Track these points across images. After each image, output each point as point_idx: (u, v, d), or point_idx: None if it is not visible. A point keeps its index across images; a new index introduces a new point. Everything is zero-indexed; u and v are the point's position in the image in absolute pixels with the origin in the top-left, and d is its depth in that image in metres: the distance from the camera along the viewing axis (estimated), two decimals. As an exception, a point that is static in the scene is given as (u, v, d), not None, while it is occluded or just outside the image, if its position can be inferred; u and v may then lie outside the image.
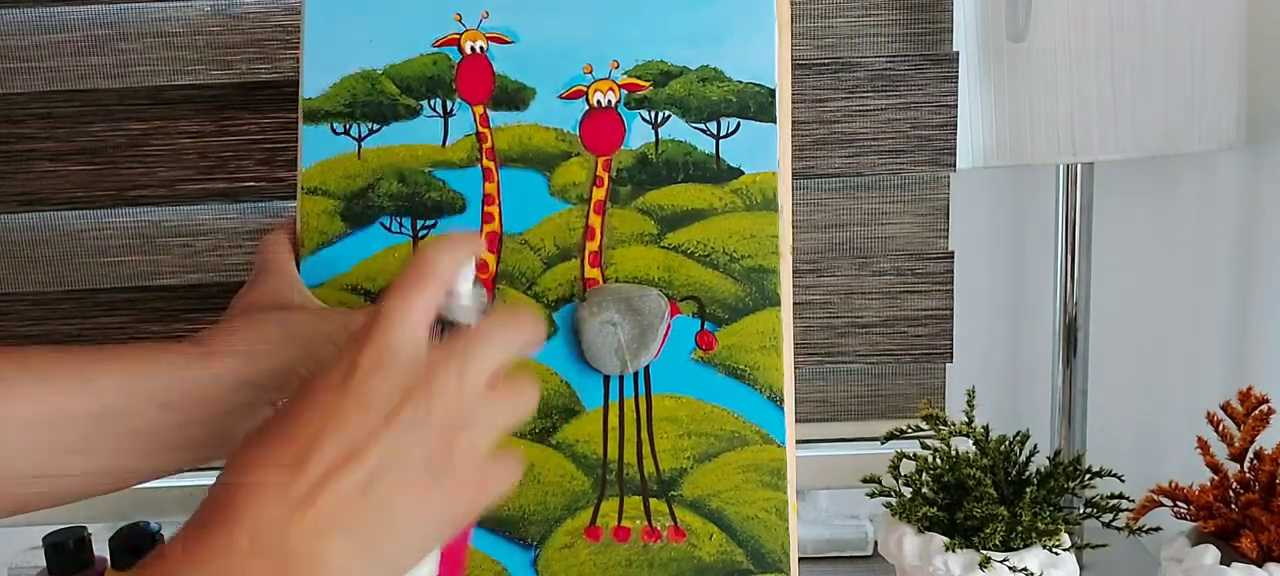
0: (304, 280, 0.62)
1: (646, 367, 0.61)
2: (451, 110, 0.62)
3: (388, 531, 0.42)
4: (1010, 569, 0.69)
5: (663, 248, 0.61)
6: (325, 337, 0.54)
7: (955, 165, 0.91)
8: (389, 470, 0.42)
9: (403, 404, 0.42)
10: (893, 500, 0.75)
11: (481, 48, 0.62)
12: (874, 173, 0.93)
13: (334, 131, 0.62)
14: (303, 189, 0.62)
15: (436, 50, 0.62)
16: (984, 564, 0.69)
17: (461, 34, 0.62)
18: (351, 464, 0.41)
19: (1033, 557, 0.70)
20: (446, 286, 0.47)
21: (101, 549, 0.81)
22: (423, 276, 0.45)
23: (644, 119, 0.61)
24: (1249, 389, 0.73)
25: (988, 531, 0.70)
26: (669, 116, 0.61)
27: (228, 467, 0.42)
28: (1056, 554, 0.71)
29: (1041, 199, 0.99)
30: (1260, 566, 0.67)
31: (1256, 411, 0.72)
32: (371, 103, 0.62)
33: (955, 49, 0.90)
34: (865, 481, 0.78)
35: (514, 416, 0.46)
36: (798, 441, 0.62)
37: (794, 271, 0.89)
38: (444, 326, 0.48)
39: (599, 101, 0.61)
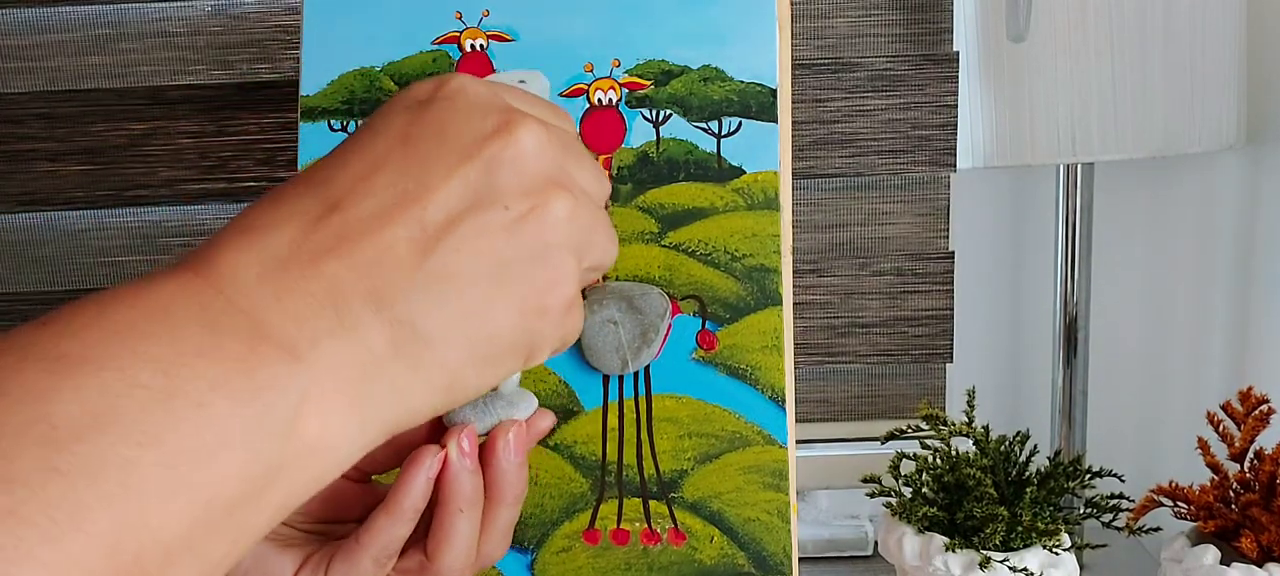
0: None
1: (647, 367, 0.61)
2: (451, 109, 0.62)
3: (445, 318, 0.32)
4: (1010, 569, 0.69)
5: (664, 246, 0.61)
6: None
7: (955, 165, 0.91)
8: (459, 227, 0.32)
9: (488, 141, 0.33)
10: (893, 500, 0.75)
11: (482, 45, 0.62)
12: (874, 173, 0.93)
13: (331, 128, 0.62)
14: (302, 188, 0.62)
15: (436, 48, 0.62)
16: (984, 564, 0.69)
17: (462, 32, 0.62)
18: (405, 210, 0.31)
19: (1033, 557, 0.70)
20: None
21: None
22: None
23: (645, 117, 0.61)
24: (1249, 389, 0.73)
25: (988, 531, 0.70)
26: (670, 115, 0.61)
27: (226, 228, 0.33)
28: (1056, 554, 0.71)
29: (1041, 199, 0.99)
30: (1260, 566, 0.67)
31: (1256, 411, 0.72)
32: (370, 100, 0.62)
33: (955, 49, 0.90)
34: (865, 481, 0.78)
35: (604, 260, 0.39)
36: (798, 441, 0.62)
37: (794, 271, 0.89)
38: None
39: (600, 100, 0.61)
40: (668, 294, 0.61)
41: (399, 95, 0.36)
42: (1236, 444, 0.72)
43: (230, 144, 0.92)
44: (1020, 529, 0.70)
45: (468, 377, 0.34)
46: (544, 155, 0.34)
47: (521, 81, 0.51)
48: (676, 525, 0.61)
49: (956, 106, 0.90)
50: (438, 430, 0.46)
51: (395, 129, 0.33)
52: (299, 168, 0.63)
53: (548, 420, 0.49)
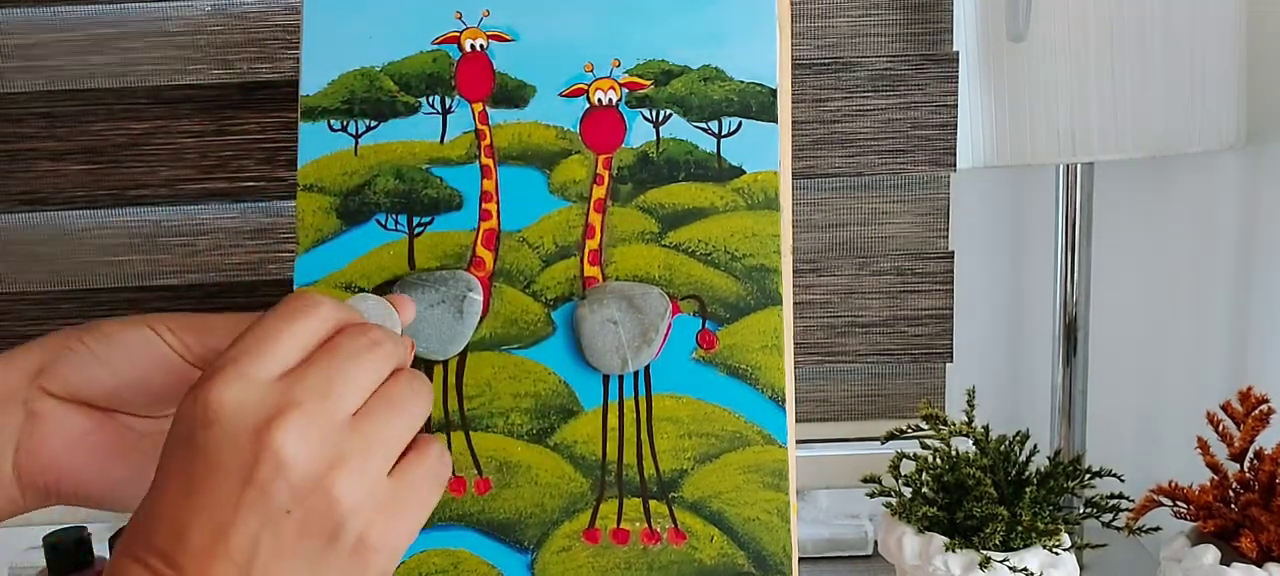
0: (300, 278, 0.62)
1: (647, 367, 0.61)
2: (450, 108, 0.62)
3: None
4: (1010, 569, 0.69)
5: (664, 246, 0.61)
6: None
7: (955, 165, 0.91)
8: (260, 553, 0.39)
9: (256, 468, 0.39)
10: (893, 500, 0.75)
11: (482, 45, 0.62)
12: (874, 173, 0.93)
13: (331, 128, 0.62)
14: (300, 186, 0.62)
15: (436, 48, 0.62)
16: (984, 564, 0.69)
17: (462, 32, 0.62)
18: (217, 557, 0.38)
19: (1033, 557, 0.70)
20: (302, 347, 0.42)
21: (101, 548, 0.81)
22: (271, 336, 0.41)
23: (645, 117, 0.61)
24: (1249, 389, 0.73)
25: (988, 531, 0.70)
26: (670, 115, 0.61)
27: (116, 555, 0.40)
28: (1056, 554, 0.71)
29: (1041, 199, 0.99)
30: (1260, 566, 0.67)
31: (1256, 411, 0.72)
32: (370, 100, 0.62)
33: (955, 49, 0.90)
34: (865, 481, 0.78)
35: (432, 492, 0.44)
36: (798, 441, 0.62)
37: (794, 271, 0.89)
38: None
39: (600, 100, 0.61)
40: (668, 294, 0.61)
41: (174, 426, 0.41)
42: (1236, 444, 0.72)
43: (230, 144, 0.92)
44: (1020, 529, 0.70)
45: None
46: (309, 449, 0.39)
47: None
48: (676, 524, 0.61)
49: (956, 106, 0.90)
50: None
51: (181, 469, 0.39)
52: (299, 167, 0.63)
53: (410, 308, 0.53)
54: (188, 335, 0.47)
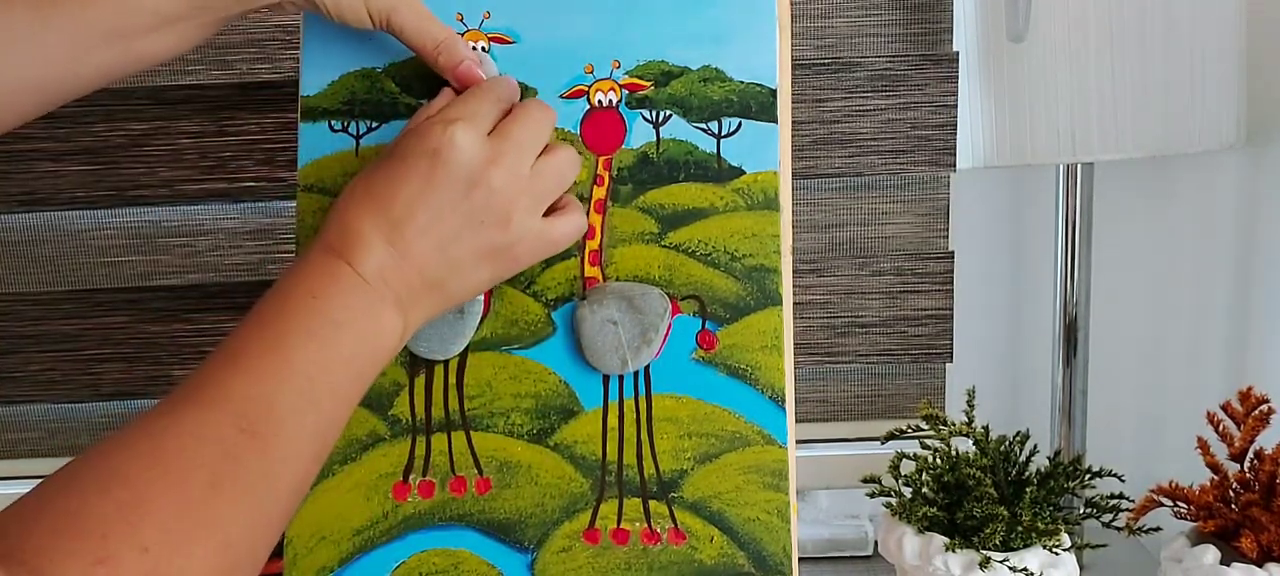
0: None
1: (647, 367, 0.61)
2: (452, 109, 0.62)
3: (457, 281, 0.56)
4: (1010, 569, 0.69)
5: (664, 247, 0.61)
6: None
7: (955, 165, 0.91)
8: (461, 240, 0.55)
9: (473, 191, 0.55)
10: (893, 500, 0.75)
11: (484, 48, 0.62)
12: (874, 173, 0.93)
13: (332, 129, 0.62)
14: (300, 187, 0.62)
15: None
16: (984, 564, 0.69)
17: (463, 33, 0.62)
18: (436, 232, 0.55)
19: (1033, 557, 0.70)
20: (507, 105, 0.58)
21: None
22: (493, 99, 0.57)
23: (645, 118, 0.61)
24: (1249, 389, 0.74)
25: (988, 531, 0.70)
26: (670, 116, 0.61)
27: (339, 213, 0.55)
28: (1056, 554, 0.71)
29: (1041, 199, 0.99)
30: (1260, 566, 0.68)
31: (1256, 411, 0.72)
32: (371, 101, 0.62)
33: (955, 49, 0.90)
34: (865, 481, 0.78)
35: (560, 184, 0.58)
36: (798, 441, 0.62)
37: (794, 271, 0.89)
38: None
39: (600, 101, 0.61)
40: (668, 294, 0.61)
41: (419, 140, 0.55)
42: (1236, 444, 0.72)
43: (230, 144, 0.92)
44: (1020, 529, 0.70)
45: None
46: (475, 149, 0.55)
47: (485, 48, 0.62)
48: (676, 525, 0.61)
49: (956, 106, 0.90)
50: None
51: (421, 170, 0.54)
52: (299, 168, 0.63)
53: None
54: None
